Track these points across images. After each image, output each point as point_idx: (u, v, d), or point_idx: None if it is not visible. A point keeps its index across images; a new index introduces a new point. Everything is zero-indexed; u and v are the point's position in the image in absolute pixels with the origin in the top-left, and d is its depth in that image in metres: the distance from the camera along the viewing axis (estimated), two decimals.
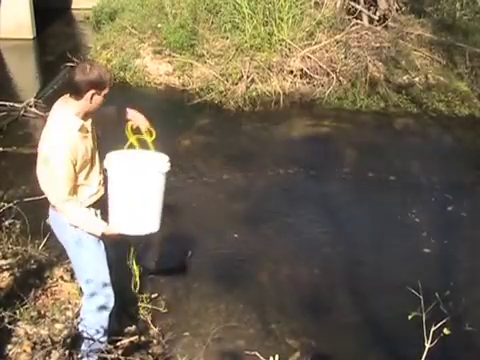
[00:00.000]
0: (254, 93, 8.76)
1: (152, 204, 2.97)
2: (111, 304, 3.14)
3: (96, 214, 3.06)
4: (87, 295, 3.14)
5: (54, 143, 2.80)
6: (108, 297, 3.13)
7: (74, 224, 2.94)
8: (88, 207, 3.00)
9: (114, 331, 3.27)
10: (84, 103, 2.84)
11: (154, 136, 3.28)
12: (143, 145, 3.23)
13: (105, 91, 2.86)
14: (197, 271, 4.44)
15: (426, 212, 5.53)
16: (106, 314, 3.12)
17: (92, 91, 2.81)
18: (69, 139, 2.80)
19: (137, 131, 3.25)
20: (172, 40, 9.59)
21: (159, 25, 10.14)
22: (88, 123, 2.93)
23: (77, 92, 2.81)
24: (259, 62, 9.00)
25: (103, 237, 3.00)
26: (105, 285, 3.12)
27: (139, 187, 2.89)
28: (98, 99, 2.86)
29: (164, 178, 2.95)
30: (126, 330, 3.60)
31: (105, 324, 3.12)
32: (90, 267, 3.10)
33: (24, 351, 3.30)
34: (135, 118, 3.28)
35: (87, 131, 2.94)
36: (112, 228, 2.94)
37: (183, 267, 4.46)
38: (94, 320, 3.10)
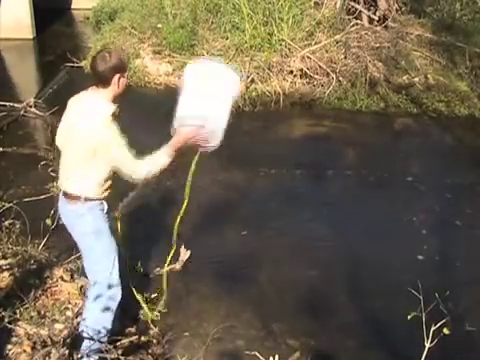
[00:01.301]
0: (254, 93, 8.76)
1: (223, 112, 3.13)
2: (115, 305, 3.15)
3: (104, 209, 3.10)
4: (93, 294, 3.15)
5: (102, 127, 2.94)
6: (113, 299, 3.14)
7: (155, 173, 3.09)
8: (103, 199, 3.08)
9: (114, 331, 3.27)
10: (113, 88, 3.04)
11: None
12: None
13: (127, 72, 3.09)
14: (197, 271, 4.43)
15: (426, 212, 5.52)
16: (109, 314, 3.13)
17: (117, 75, 3.01)
18: (111, 122, 2.97)
19: None
20: (172, 40, 9.60)
21: (159, 25, 10.14)
22: (116, 107, 3.09)
23: (104, 80, 3.00)
24: (259, 62, 9.00)
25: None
26: (114, 285, 3.14)
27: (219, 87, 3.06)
28: (123, 81, 3.07)
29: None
30: (126, 330, 3.60)
31: (107, 324, 3.13)
32: (102, 262, 3.12)
33: (24, 351, 3.30)
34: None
35: (116, 116, 3.08)
36: (180, 136, 3.12)
37: (183, 267, 4.46)
38: (97, 320, 3.11)
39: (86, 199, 3.02)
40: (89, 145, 2.95)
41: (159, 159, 3.09)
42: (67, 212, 3.14)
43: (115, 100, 3.08)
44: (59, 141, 3.24)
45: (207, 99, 3.13)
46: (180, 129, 3.12)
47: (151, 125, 7.37)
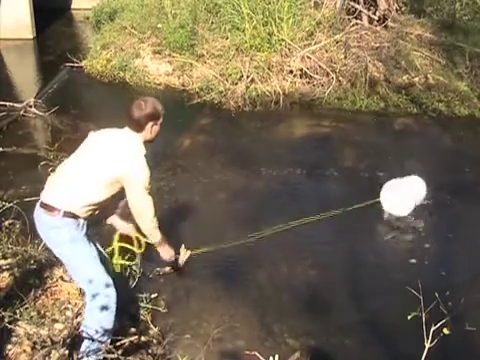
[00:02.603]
0: (254, 93, 8.76)
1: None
2: (113, 304, 3.15)
3: (80, 224, 3.15)
4: (89, 295, 3.15)
5: (139, 165, 3.12)
6: (109, 297, 3.15)
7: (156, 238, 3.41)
8: (80, 219, 3.15)
9: (114, 331, 3.27)
10: (145, 134, 3.21)
11: (143, 248, 3.78)
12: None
13: (160, 120, 3.25)
14: (197, 271, 4.43)
15: (426, 212, 5.52)
16: (108, 314, 3.13)
17: (151, 123, 3.19)
18: (145, 163, 3.15)
19: (127, 239, 3.68)
20: (172, 40, 9.60)
21: (159, 25, 10.15)
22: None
23: (138, 127, 3.18)
24: (259, 62, 9.00)
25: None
26: (107, 285, 3.16)
27: None
28: (156, 128, 3.25)
29: None
30: (126, 330, 3.59)
31: (106, 324, 3.12)
32: (89, 266, 3.15)
33: (24, 351, 3.30)
34: (124, 228, 3.69)
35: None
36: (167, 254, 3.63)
37: (183, 267, 4.45)
38: (96, 320, 3.11)
39: (65, 214, 3.06)
40: (116, 174, 3.10)
41: (157, 232, 3.38)
42: (43, 222, 3.15)
43: (145, 145, 3.23)
44: (72, 160, 3.28)
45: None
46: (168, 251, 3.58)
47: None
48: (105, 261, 3.31)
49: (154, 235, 3.39)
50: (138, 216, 3.24)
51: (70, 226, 3.09)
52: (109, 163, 3.13)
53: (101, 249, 3.39)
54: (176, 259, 4.16)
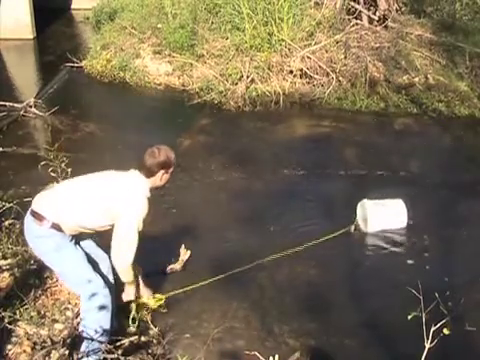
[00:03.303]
0: (254, 93, 8.77)
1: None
2: (110, 303, 3.16)
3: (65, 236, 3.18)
4: (86, 296, 3.15)
5: (137, 204, 3.16)
6: (106, 296, 3.17)
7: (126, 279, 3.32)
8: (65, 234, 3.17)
9: (114, 331, 3.27)
10: (155, 180, 3.28)
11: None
12: None
13: (171, 169, 3.31)
14: (197, 271, 4.43)
15: (426, 211, 5.52)
16: (105, 313, 3.14)
17: (162, 171, 3.26)
18: (145, 206, 3.18)
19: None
20: (172, 40, 9.60)
21: (159, 25, 10.16)
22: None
23: (150, 173, 3.25)
24: (259, 62, 9.01)
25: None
26: (103, 285, 3.19)
27: None
28: (166, 176, 3.32)
29: None
30: (126, 330, 3.59)
31: (105, 324, 3.13)
32: (81, 269, 3.19)
33: (24, 351, 3.30)
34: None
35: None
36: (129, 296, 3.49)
37: (183, 267, 4.46)
38: (94, 320, 3.12)
39: (52, 225, 3.09)
40: (114, 207, 3.14)
41: (130, 274, 3.29)
42: (30, 230, 3.18)
43: (152, 190, 3.29)
44: (77, 181, 3.33)
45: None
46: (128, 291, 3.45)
47: (150, 125, 7.39)
48: (94, 262, 3.33)
49: (126, 276, 3.30)
50: (116, 253, 3.17)
51: (55, 237, 3.12)
52: (111, 194, 3.18)
53: (94, 249, 3.41)
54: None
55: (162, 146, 3.31)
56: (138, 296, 3.58)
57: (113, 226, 3.18)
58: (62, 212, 3.12)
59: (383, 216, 5.17)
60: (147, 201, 3.20)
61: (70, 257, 3.17)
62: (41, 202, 3.17)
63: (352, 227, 5.15)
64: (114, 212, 3.14)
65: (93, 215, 3.17)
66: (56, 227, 3.09)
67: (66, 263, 3.18)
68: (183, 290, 3.99)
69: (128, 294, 3.45)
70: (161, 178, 3.28)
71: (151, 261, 4.35)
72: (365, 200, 5.25)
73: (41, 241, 3.15)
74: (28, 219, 3.16)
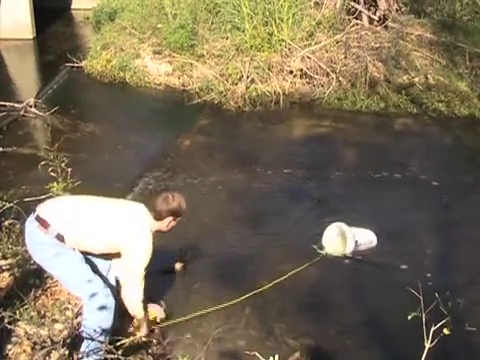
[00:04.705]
0: (254, 93, 8.77)
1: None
2: (111, 303, 3.16)
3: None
4: (88, 296, 3.15)
5: (141, 239, 3.17)
6: (108, 296, 3.17)
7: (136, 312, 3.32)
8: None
9: (114, 331, 3.27)
10: (161, 224, 3.30)
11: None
12: None
13: (179, 218, 3.34)
14: (197, 271, 4.43)
15: (426, 212, 5.52)
16: (107, 313, 3.14)
17: (171, 218, 3.29)
18: (151, 242, 3.20)
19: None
20: (172, 40, 9.60)
21: (159, 25, 10.15)
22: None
23: (158, 216, 3.26)
24: (259, 62, 9.01)
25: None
26: (104, 285, 3.18)
27: None
28: (173, 224, 3.34)
29: None
30: (126, 330, 3.59)
31: (105, 324, 3.13)
32: (81, 271, 3.18)
33: (24, 351, 3.30)
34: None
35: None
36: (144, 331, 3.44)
37: (183, 267, 4.46)
38: (95, 320, 3.12)
39: (57, 236, 3.08)
40: (121, 241, 3.16)
41: (140, 309, 3.30)
42: (33, 235, 3.16)
43: (153, 233, 3.27)
44: (92, 199, 3.33)
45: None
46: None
47: (150, 125, 7.38)
48: (92, 263, 3.32)
49: (136, 311, 3.32)
50: (127, 289, 3.23)
51: (57, 246, 3.11)
52: (117, 226, 3.18)
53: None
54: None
55: (176, 194, 3.37)
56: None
57: (111, 254, 3.23)
58: (66, 227, 3.12)
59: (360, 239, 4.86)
60: (152, 239, 3.21)
61: (68, 260, 3.16)
62: (48, 210, 3.16)
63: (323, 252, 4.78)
64: (116, 243, 3.18)
65: (94, 241, 3.19)
66: (60, 238, 3.09)
67: (65, 266, 3.17)
68: (185, 318, 3.84)
69: (144, 329, 3.42)
70: (168, 224, 3.31)
71: (151, 261, 4.35)
72: (339, 223, 4.89)
73: (42, 248, 3.14)
74: (32, 225, 3.13)
